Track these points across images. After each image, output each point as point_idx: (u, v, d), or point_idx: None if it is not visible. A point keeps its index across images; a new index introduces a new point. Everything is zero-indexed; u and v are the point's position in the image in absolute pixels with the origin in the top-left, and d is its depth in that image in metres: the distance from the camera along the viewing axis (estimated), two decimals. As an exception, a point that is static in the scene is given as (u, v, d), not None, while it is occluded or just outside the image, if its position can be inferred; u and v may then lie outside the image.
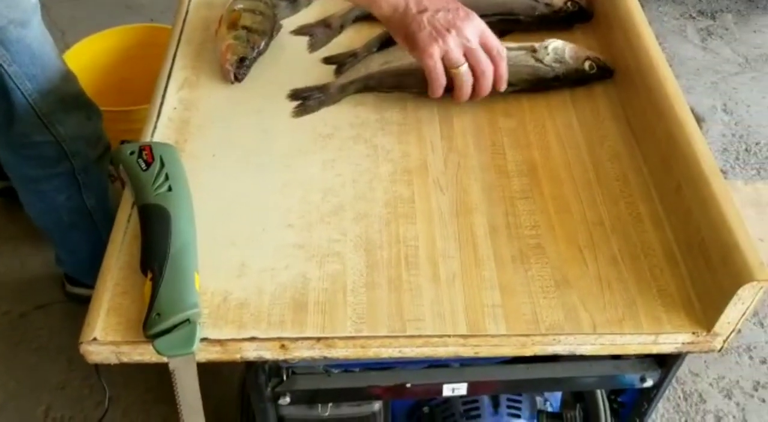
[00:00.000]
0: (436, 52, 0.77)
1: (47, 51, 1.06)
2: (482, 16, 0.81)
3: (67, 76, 1.11)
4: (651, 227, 0.73)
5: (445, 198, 0.75)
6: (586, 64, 0.87)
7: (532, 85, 0.86)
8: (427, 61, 0.78)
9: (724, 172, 1.78)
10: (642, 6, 0.91)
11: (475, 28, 0.79)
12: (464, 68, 0.79)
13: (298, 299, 0.66)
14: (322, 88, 0.88)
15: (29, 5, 1.01)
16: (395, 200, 0.75)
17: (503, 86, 0.82)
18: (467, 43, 0.78)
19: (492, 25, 0.81)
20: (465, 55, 0.78)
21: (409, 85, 0.86)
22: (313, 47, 0.93)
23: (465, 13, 0.79)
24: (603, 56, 0.88)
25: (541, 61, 0.86)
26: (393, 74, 0.87)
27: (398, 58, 0.87)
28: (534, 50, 0.87)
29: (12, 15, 0.97)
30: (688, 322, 0.65)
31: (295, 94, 0.87)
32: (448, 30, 0.77)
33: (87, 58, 1.48)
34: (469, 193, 0.76)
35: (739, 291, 0.60)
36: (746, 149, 1.85)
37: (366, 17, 0.95)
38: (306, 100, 0.86)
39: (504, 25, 0.92)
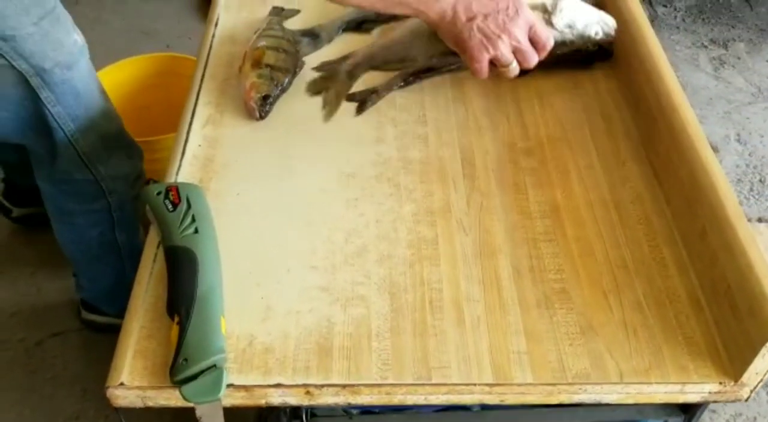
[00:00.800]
0: (484, 58, 0.81)
1: (92, 91, 1.07)
2: None
3: (111, 116, 1.12)
4: (675, 272, 0.73)
5: (468, 239, 0.75)
6: (593, 30, 0.91)
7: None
8: (475, 67, 0.82)
9: (740, 204, 1.77)
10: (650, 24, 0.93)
11: (525, 25, 0.81)
12: (513, 65, 0.83)
13: (323, 345, 0.66)
14: (330, 78, 0.93)
15: (76, 48, 1.02)
16: (419, 241, 0.75)
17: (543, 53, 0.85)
18: (518, 44, 0.81)
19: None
20: (514, 52, 0.82)
21: (415, 55, 0.91)
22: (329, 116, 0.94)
23: (514, 11, 0.80)
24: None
25: (554, 25, 0.90)
26: (396, 45, 0.93)
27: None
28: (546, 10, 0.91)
29: (58, 58, 0.98)
30: (714, 371, 0.65)
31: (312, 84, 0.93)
32: (498, 36, 0.79)
33: (106, 85, 1.49)
34: (492, 234, 0.76)
35: (768, 343, 0.60)
36: (760, 180, 1.85)
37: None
38: (321, 92, 0.92)
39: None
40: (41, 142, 1.05)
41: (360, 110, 0.90)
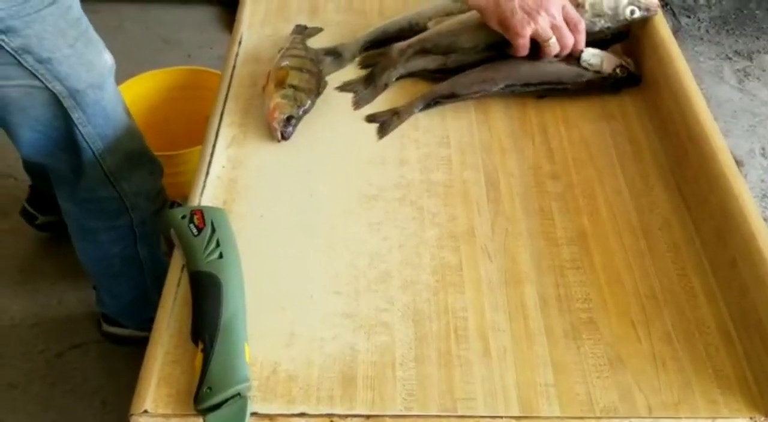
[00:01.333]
0: (527, 33, 0.89)
1: (119, 110, 1.08)
2: (528, 85, 0.89)
3: (135, 135, 1.13)
4: (705, 302, 0.71)
5: (493, 266, 0.75)
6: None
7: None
8: (519, 42, 0.90)
9: (764, 219, 1.74)
10: (677, 45, 0.92)
11: (559, 5, 0.90)
12: (553, 40, 0.90)
13: (347, 373, 0.65)
14: (383, 54, 0.97)
15: (106, 68, 1.03)
16: (443, 268, 0.75)
17: (580, 46, 0.93)
18: (554, 20, 0.89)
19: (539, 94, 0.89)
20: (551, 28, 0.89)
21: (462, 42, 0.95)
22: (357, 105, 0.94)
23: None
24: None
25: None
26: (447, 33, 0.96)
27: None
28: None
29: (91, 79, 0.99)
30: (745, 406, 0.63)
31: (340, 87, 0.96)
32: (537, 12, 0.88)
33: (128, 98, 1.49)
34: (517, 261, 0.75)
35: (803, 380, 0.59)
36: (786, 196, 1.83)
37: (410, 75, 0.96)
38: (371, 70, 0.96)
39: (551, 93, 0.93)
40: (68, 161, 1.06)
41: (382, 133, 0.89)
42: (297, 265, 0.75)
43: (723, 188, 0.73)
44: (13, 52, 0.89)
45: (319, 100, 0.93)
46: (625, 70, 0.92)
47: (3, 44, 0.88)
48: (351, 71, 0.99)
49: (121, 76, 1.74)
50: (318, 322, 0.69)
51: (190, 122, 1.54)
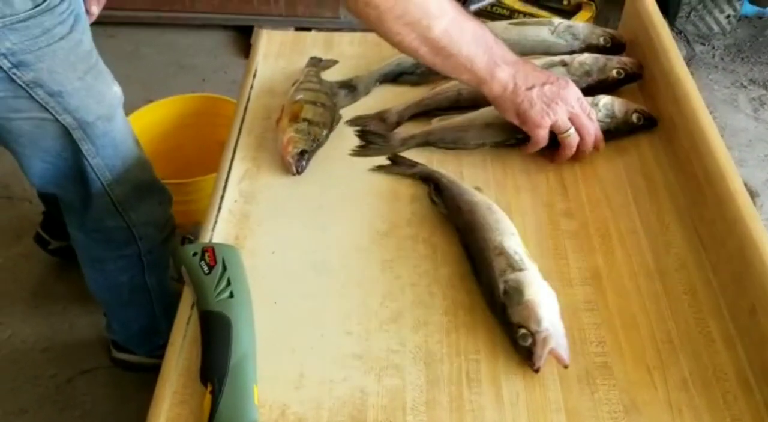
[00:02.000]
0: (546, 124, 0.84)
1: (128, 141, 1.09)
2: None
3: (144, 165, 1.13)
4: (723, 348, 0.70)
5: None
6: (634, 117, 0.91)
7: None
8: (538, 133, 0.85)
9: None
10: (692, 73, 0.91)
11: (576, 94, 0.86)
12: (572, 131, 0.86)
13: (357, 417, 0.64)
14: (384, 137, 0.93)
15: (115, 99, 1.04)
16: (455, 308, 0.74)
17: (602, 145, 0.89)
18: (572, 109, 0.85)
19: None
20: (570, 119, 0.85)
21: (468, 139, 0.91)
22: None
23: (565, 82, 0.86)
24: (647, 109, 0.93)
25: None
26: (453, 129, 0.92)
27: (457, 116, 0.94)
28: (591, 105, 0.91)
29: (100, 111, 1.00)
30: (765, 458, 0.62)
31: (359, 131, 0.94)
32: (556, 102, 0.84)
33: (142, 125, 1.51)
34: (531, 302, 0.74)
35: (824, 435, 0.57)
36: (803, 227, 1.80)
37: (422, 114, 0.96)
38: (368, 144, 0.92)
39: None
40: (76, 191, 1.06)
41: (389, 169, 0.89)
42: (308, 304, 0.74)
43: (741, 232, 0.72)
44: (24, 86, 0.90)
45: (333, 134, 0.93)
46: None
47: (15, 78, 0.89)
48: (365, 105, 0.99)
49: (137, 101, 1.77)
50: (328, 363, 0.69)
51: (203, 148, 1.54)
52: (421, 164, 0.88)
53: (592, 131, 0.86)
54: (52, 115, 0.94)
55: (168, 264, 1.26)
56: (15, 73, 0.89)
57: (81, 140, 0.99)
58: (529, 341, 0.67)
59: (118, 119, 1.05)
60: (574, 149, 0.87)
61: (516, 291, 0.70)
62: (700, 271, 0.77)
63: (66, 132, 0.97)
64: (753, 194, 1.85)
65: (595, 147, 0.88)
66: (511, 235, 0.76)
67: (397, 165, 0.89)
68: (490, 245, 0.75)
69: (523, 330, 0.67)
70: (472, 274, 0.76)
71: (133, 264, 1.18)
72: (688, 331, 0.71)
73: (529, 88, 0.83)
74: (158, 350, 1.34)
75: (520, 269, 0.72)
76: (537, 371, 0.66)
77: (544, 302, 0.69)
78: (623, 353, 0.70)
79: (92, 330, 1.49)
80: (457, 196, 0.82)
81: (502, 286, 0.71)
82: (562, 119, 0.84)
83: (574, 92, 0.86)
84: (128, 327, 1.33)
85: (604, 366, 0.68)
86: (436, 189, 0.84)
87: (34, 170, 1.03)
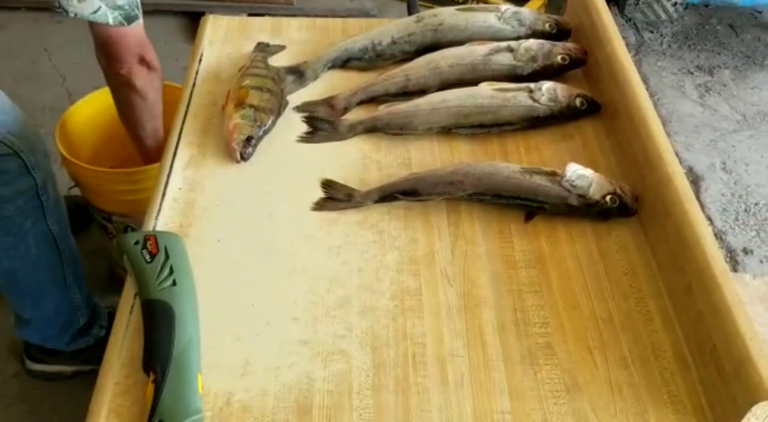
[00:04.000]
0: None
1: None
2: (500, 196, 0.82)
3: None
4: (661, 327, 0.72)
5: (452, 291, 0.74)
6: (577, 101, 0.92)
7: (531, 123, 0.92)
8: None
9: (723, 233, 1.78)
10: (640, 61, 0.93)
11: None
12: None
13: (303, 403, 0.64)
14: (332, 123, 0.92)
15: None
16: (402, 292, 0.74)
17: None
18: None
19: (512, 208, 0.83)
20: None
21: (415, 124, 0.91)
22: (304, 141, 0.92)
23: None
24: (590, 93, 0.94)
25: (537, 101, 0.91)
26: (400, 115, 0.91)
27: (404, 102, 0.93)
28: (530, 91, 0.92)
29: None
30: (700, 432, 0.64)
31: (307, 117, 0.93)
32: None
33: (89, 112, 1.48)
34: (477, 285, 0.75)
35: (753, 408, 0.59)
36: (745, 210, 1.86)
37: (370, 100, 0.95)
38: (315, 130, 0.92)
39: (527, 209, 0.82)
40: None
41: (322, 208, 0.83)
42: (254, 291, 0.73)
43: (679, 214, 0.73)
44: None
45: (280, 120, 0.92)
46: (616, 200, 0.80)
47: None
48: (313, 90, 0.98)
49: (85, 87, 1.72)
50: (275, 350, 0.68)
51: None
52: (356, 190, 0.83)
53: None
54: None
55: (65, 213, 1.23)
56: None
57: None
58: (617, 199, 0.80)
59: None
60: None
61: (580, 179, 0.81)
62: (640, 253, 0.79)
63: None
64: (698, 178, 1.91)
65: None
66: (518, 165, 0.83)
67: (334, 200, 0.83)
68: (517, 176, 0.82)
69: (609, 196, 0.80)
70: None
71: (32, 205, 1.15)
72: (628, 311, 0.73)
73: None
74: (80, 338, 1.30)
75: (553, 173, 0.82)
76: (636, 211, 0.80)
77: (593, 172, 0.82)
78: (565, 333, 0.71)
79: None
80: (427, 185, 0.82)
81: (567, 185, 0.81)
82: None
83: None
84: (41, 308, 1.27)
85: (546, 346, 0.70)
86: (403, 194, 0.82)
87: None
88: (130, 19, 1.03)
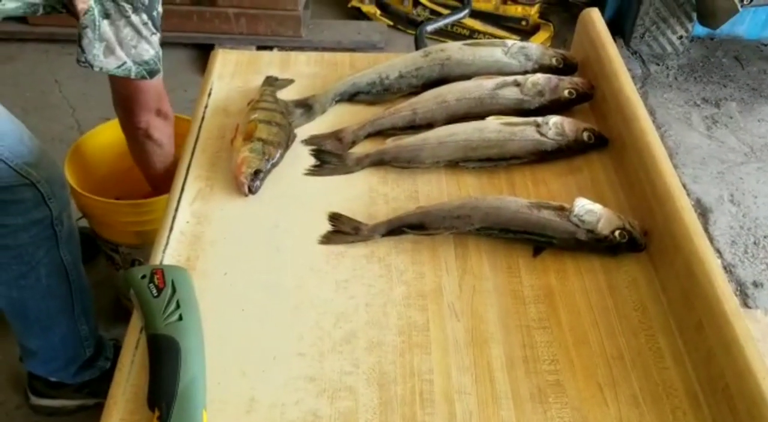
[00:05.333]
0: None
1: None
2: (508, 231, 0.82)
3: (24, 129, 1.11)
4: (672, 364, 0.71)
5: (460, 326, 0.74)
6: (585, 135, 0.92)
7: (538, 157, 0.92)
8: None
9: (732, 266, 1.77)
10: (647, 93, 0.93)
11: None
12: None
13: (309, 441, 0.63)
14: (339, 157, 0.92)
15: None
16: (409, 328, 0.73)
17: None
18: None
19: (520, 243, 0.82)
20: None
21: (422, 158, 0.91)
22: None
23: None
24: (598, 129, 0.94)
25: (545, 135, 0.91)
26: (407, 148, 0.92)
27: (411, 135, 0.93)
28: (538, 125, 0.92)
29: None
30: (713, 473, 0.63)
31: (314, 150, 0.94)
32: None
33: (98, 144, 1.49)
34: (484, 321, 0.74)
35: (769, 449, 0.58)
36: (755, 243, 1.85)
37: (378, 133, 0.96)
38: (323, 163, 0.92)
39: (535, 243, 0.82)
40: None
41: (331, 241, 0.83)
42: (261, 326, 0.73)
43: (688, 249, 0.73)
44: None
45: (288, 153, 0.92)
46: (626, 235, 0.79)
47: None
48: (321, 123, 0.99)
49: (93, 120, 1.74)
50: (280, 386, 0.68)
51: (161, 166, 1.52)
52: (364, 224, 0.83)
53: None
54: None
55: (77, 242, 1.23)
56: None
57: None
58: (626, 235, 0.79)
59: None
60: None
61: (588, 214, 0.80)
62: (649, 288, 0.78)
63: None
64: (706, 211, 1.90)
65: None
66: (526, 199, 0.83)
67: (342, 234, 0.83)
68: (525, 211, 0.81)
69: (618, 231, 0.79)
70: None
71: (47, 235, 1.15)
72: (639, 347, 0.72)
73: None
74: (85, 371, 1.29)
75: (561, 208, 0.81)
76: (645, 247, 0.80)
77: (602, 207, 0.82)
78: (575, 370, 0.70)
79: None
80: (435, 219, 0.82)
81: (575, 220, 0.80)
82: None
83: None
84: (48, 339, 1.25)
85: (556, 383, 0.69)
86: (411, 228, 0.82)
87: None
88: (152, 73, 1.05)
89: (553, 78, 0.99)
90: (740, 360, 0.63)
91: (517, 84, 0.97)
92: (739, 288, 1.70)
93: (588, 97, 0.99)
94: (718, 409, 0.65)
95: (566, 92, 0.97)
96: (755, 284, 1.72)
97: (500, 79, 0.98)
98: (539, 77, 0.98)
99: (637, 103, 0.91)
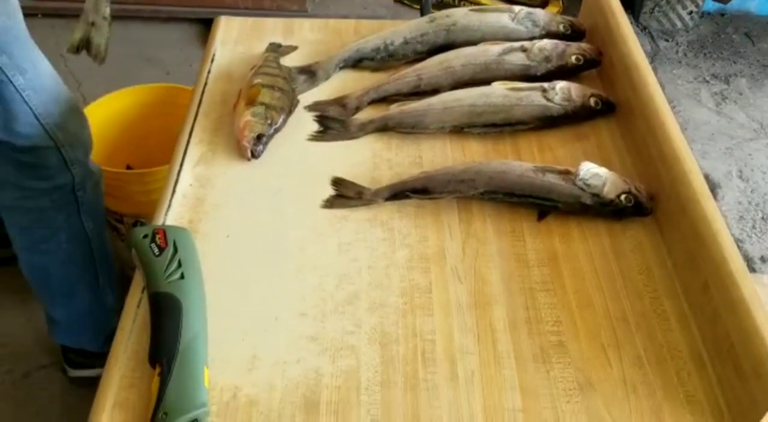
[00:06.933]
0: None
1: (43, 58, 1.08)
2: (513, 195, 0.81)
3: (63, 85, 1.12)
4: (677, 326, 0.70)
5: (463, 288, 0.73)
6: (592, 101, 0.91)
7: (544, 122, 0.91)
8: None
9: (740, 241, 1.75)
10: (656, 69, 0.91)
11: None
12: None
13: (310, 398, 0.63)
14: (343, 122, 0.91)
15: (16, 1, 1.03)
16: (412, 289, 0.73)
17: None
18: None
19: (525, 207, 0.81)
20: None
21: (427, 123, 0.90)
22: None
23: None
24: (605, 94, 0.93)
25: (551, 100, 0.90)
26: (411, 113, 0.90)
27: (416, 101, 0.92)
28: (544, 90, 0.91)
29: (6, 9, 0.99)
30: (717, 433, 0.62)
31: (318, 116, 0.92)
32: None
33: (105, 115, 1.49)
34: (487, 283, 0.74)
35: (773, 407, 0.58)
36: (762, 218, 1.83)
37: (382, 100, 0.95)
38: (326, 129, 0.91)
39: (540, 207, 0.81)
40: None
41: (332, 205, 0.82)
42: (263, 287, 0.73)
43: (694, 211, 0.72)
44: None
45: (291, 119, 0.91)
46: (631, 199, 0.78)
47: None
48: (324, 90, 0.98)
49: (101, 93, 1.73)
50: (282, 345, 0.67)
51: (167, 138, 1.50)
52: (367, 188, 0.82)
53: None
54: None
55: (102, 213, 1.23)
56: None
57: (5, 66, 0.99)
58: (632, 199, 0.78)
59: (20, 21, 1.04)
60: None
61: (594, 178, 0.79)
62: (655, 252, 0.77)
63: None
64: (715, 186, 1.88)
65: None
66: (531, 164, 0.82)
67: (345, 198, 0.82)
68: (530, 174, 0.81)
69: (623, 195, 0.78)
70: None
71: (68, 200, 1.15)
72: (643, 310, 0.72)
73: None
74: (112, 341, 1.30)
75: (566, 172, 0.80)
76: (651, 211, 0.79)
77: (608, 171, 0.81)
78: (578, 332, 0.70)
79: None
80: (439, 183, 0.81)
81: (580, 184, 0.79)
82: None
83: None
84: (72, 307, 1.26)
85: (559, 344, 0.68)
86: (414, 192, 0.81)
87: None
88: None
89: (560, 44, 0.97)
90: (746, 320, 0.62)
91: (524, 50, 0.96)
92: (746, 263, 1.68)
93: (596, 63, 0.98)
94: (723, 369, 0.65)
95: (573, 58, 0.96)
96: (763, 260, 1.71)
97: (506, 44, 0.97)
98: (546, 43, 0.97)
99: (646, 68, 0.89)
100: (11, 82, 1.03)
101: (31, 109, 1.06)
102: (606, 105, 0.92)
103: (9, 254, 1.42)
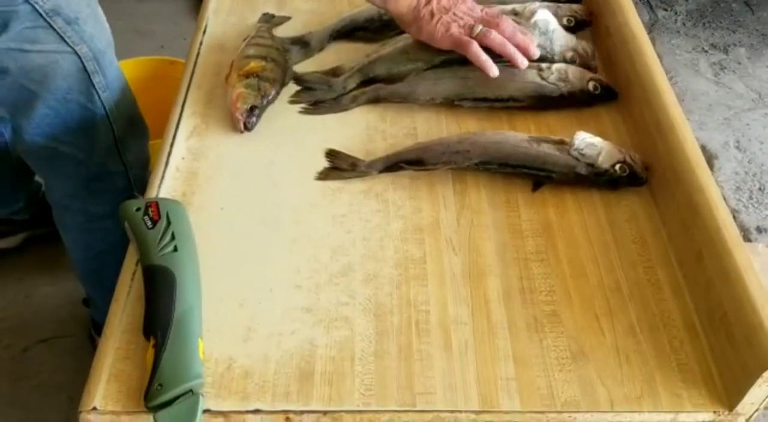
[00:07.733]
0: (447, 33, 0.85)
1: (122, 73, 1.09)
2: (507, 165, 0.80)
3: (134, 98, 1.13)
4: (670, 295, 0.71)
5: (457, 259, 0.73)
6: (590, 85, 0.89)
7: (538, 102, 0.89)
8: (444, 41, 0.86)
9: (737, 211, 1.75)
10: (654, 39, 0.90)
11: (473, 4, 0.88)
12: (479, 28, 0.85)
13: (304, 369, 0.64)
14: (334, 96, 0.91)
15: (109, 29, 1.05)
16: (406, 261, 0.73)
17: (532, 49, 0.87)
18: (471, 11, 0.87)
19: (519, 178, 0.81)
20: (477, 22, 0.86)
21: (417, 95, 0.89)
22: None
23: None
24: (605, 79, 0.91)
25: (545, 79, 0.88)
26: (404, 84, 0.90)
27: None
28: (540, 69, 0.89)
29: (107, 37, 1.00)
30: (709, 400, 0.63)
31: (305, 88, 0.91)
32: (448, 10, 0.86)
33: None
34: (482, 254, 0.74)
35: (765, 374, 0.58)
36: (760, 188, 1.83)
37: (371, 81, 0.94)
38: (317, 103, 0.90)
39: (534, 178, 0.81)
40: (82, 135, 1.03)
41: (326, 177, 0.82)
42: (257, 259, 0.73)
43: (689, 181, 0.72)
44: (44, 14, 0.89)
45: (285, 91, 0.91)
46: (626, 169, 0.78)
47: (36, 6, 0.88)
48: (318, 61, 0.97)
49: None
50: (277, 317, 0.68)
51: (160, 112, 1.50)
52: (361, 160, 0.82)
53: (506, 23, 0.86)
54: (69, 46, 0.94)
55: None
56: (36, 2, 0.88)
57: (94, 73, 0.99)
58: (627, 168, 0.78)
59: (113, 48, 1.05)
60: (507, 45, 0.85)
61: (589, 147, 0.79)
62: (649, 222, 0.77)
63: (80, 66, 0.97)
64: (712, 157, 1.88)
65: (525, 52, 0.86)
66: (526, 134, 0.82)
67: (339, 170, 0.82)
68: (525, 144, 0.80)
69: (618, 165, 0.78)
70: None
71: None
72: (637, 279, 0.72)
73: (428, 3, 0.87)
74: None
75: (561, 142, 0.80)
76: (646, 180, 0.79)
77: (603, 140, 0.80)
78: (572, 301, 0.70)
79: (49, 300, 1.46)
80: (433, 154, 0.81)
81: (575, 154, 0.79)
82: (465, 21, 0.86)
83: (472, 3, 0.88)
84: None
85: (552, 314, 0.69)
86: (408, 163, 0.81)
87: (34, 121, 0.99)
88: None
89: (551, 5, 0.96)
90: (739, 287, 0.62)
91: (516, 13, 0.94)
92: (742, 233, 1.69)
93: (586, 23, 0.97)
94: (716, 338, 0.65)
95: (564, 20, 0.95)
96: (759, 230, 1.71)
97: (498, 7, 0.95)
98: (537, 5, 0.96)
99: (643, 38, 0.88)
100: (106, 112, 1.04)
101: (114, 136, 1.06)
102: (606, 90, 0.89)
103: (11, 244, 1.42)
